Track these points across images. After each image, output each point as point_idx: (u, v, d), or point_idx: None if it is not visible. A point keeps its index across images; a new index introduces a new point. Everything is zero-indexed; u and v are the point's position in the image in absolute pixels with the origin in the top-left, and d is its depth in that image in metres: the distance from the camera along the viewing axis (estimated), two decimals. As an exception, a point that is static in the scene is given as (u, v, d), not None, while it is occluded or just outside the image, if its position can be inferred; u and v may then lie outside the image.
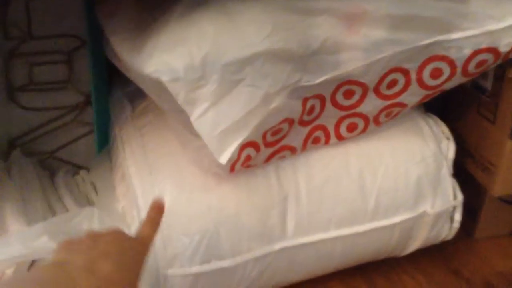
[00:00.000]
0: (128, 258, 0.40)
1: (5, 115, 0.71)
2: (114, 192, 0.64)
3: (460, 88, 0.66)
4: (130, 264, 0.40)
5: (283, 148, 0.61)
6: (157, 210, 0.48)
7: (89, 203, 0.66)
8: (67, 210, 0.62)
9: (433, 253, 0.74)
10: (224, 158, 0.52)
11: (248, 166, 0.60)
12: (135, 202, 0.59)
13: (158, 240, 0.58)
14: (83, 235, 0.41)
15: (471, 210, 0.76)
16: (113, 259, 0.38)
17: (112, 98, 0.71)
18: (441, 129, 0.71)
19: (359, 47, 0.54)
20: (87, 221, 0.55)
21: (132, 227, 0.59)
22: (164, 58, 0.50)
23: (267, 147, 0.59)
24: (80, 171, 0.71)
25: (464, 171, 0.76)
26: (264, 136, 0.57)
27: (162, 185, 0.60)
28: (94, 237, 0.41)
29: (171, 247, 0.59)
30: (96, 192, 0.67)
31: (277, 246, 0.62)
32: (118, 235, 0.42)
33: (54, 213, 0.61)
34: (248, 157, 0.57)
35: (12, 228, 0.55)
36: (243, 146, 0.55)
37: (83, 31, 0.69)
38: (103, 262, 0.37)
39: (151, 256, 0.58)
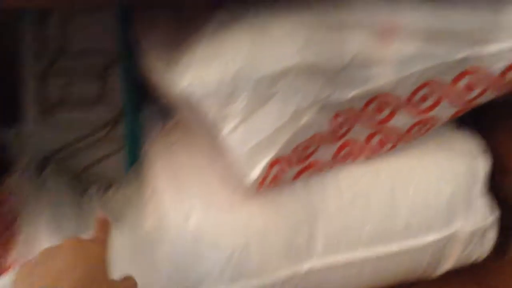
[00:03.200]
0: (89, 266, 0.42)
1: (39, 131, 0.72)
2: (143, 209, 0.65)
3: (494, 102, 0.65)
4: (91, 272, 0.41)
5: (312, 164, 0.61)
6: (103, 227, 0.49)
7: (119, 219, 0.66)
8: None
9: (463, 273, 0.72)
10: (253, 175, 0.52)
11: (277, 184, 0.59)
12: (163, 220, 0.59)
13: (187, 257, 0.58)
14: (38, 256, 0.43)
15: (504, 229, 0.74)
16: (72, 275, 0.40)
17: (144, 114, 0.72)
18: (475, 144, 0.69)
19: (391, 62, 0.54)
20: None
21: (159, 244, 0.59)
22: (197, 73, 0.50)
23: (297, 164, 0.59)
24: (111, 187, 0.72)
25: (497, 189, 0.73)
26: (293, 152, 0.57)
27: (191, 202, 0.60)
28: (50, 255, 0.42)
29: (200, 265, 0.58)
30: (126, 208, 0.68)
31: (305, 265, 0.61)
32: (73, 245, 0.43)
33: (86, 228, 0.62)
34: (277, 175, 0.57)
35: (45, 242, 0.55)
36: (272, 163, 0.55)
37: (118, 48, 0.70)
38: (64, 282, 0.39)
39: (180, 273, 0.58)
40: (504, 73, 0.56)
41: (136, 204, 0.66)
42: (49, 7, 0.65)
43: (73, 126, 0.73)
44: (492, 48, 0.55)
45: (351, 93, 0.55)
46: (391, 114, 0.60)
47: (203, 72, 0.50)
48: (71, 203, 0.66)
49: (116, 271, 0.52)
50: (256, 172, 0.52)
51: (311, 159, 0.60)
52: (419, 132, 0.63)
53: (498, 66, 0.56)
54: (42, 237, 0.58)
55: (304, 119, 0.53)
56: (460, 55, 0.55)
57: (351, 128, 0.60)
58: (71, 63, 0.71)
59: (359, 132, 0.61)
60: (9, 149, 0.72)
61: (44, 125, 0.73)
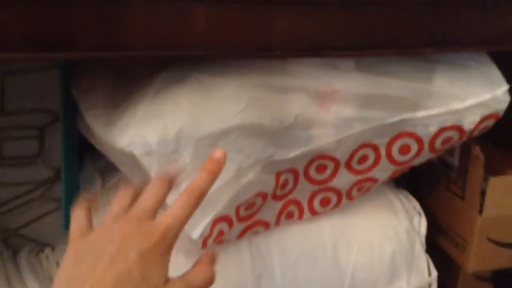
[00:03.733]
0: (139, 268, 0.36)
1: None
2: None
3: (429, 165, 0.68)
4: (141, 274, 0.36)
5: (257, 223, 0.61)
6: (214, 165, 0.40)
7: (52, 283, 0.63)
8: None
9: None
10: (196, 233, 0.52)
11: (221, 242, 0.58)
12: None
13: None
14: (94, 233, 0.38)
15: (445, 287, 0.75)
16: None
17: (83, 173, 0.70)
18: (412, 205, 0.72)
19: (330, 124, 0.56)
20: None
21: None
22: (138, 131, 0.50)
23: (240, 222, 0.58)
24: (45, 249, 0.68)
25: (437, 248, 0.76)
26: (237, 211, 0.57)
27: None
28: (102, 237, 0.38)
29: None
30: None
31: (251, 328, 0.60)
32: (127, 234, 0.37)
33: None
34: (221, 232, 0.56)
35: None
36: (215, 221, 0.54)
37: (57, 106, 0.69)
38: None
39: None
40: (435, 136, 0.60)
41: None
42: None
43: (8, 185, 0.70)
44: (422, 113, 0.58)
45: (293, 153, 0.56)
46: (333, 174, 0.61)
47: (143, 130, 0.50)
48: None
49: None
50: (198, 230, 0.51)
51: (255, 218, 0.60)
52: (360, 191, 0.65)
53: (429, 130, 0.59)
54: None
55: (247, 178, 0.54)
56: (394, 119, 0.58)
57: (294, 187, 0.61)
58: (8, 120, 0.69)
59: (302, 191, 0.62)
60: None
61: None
